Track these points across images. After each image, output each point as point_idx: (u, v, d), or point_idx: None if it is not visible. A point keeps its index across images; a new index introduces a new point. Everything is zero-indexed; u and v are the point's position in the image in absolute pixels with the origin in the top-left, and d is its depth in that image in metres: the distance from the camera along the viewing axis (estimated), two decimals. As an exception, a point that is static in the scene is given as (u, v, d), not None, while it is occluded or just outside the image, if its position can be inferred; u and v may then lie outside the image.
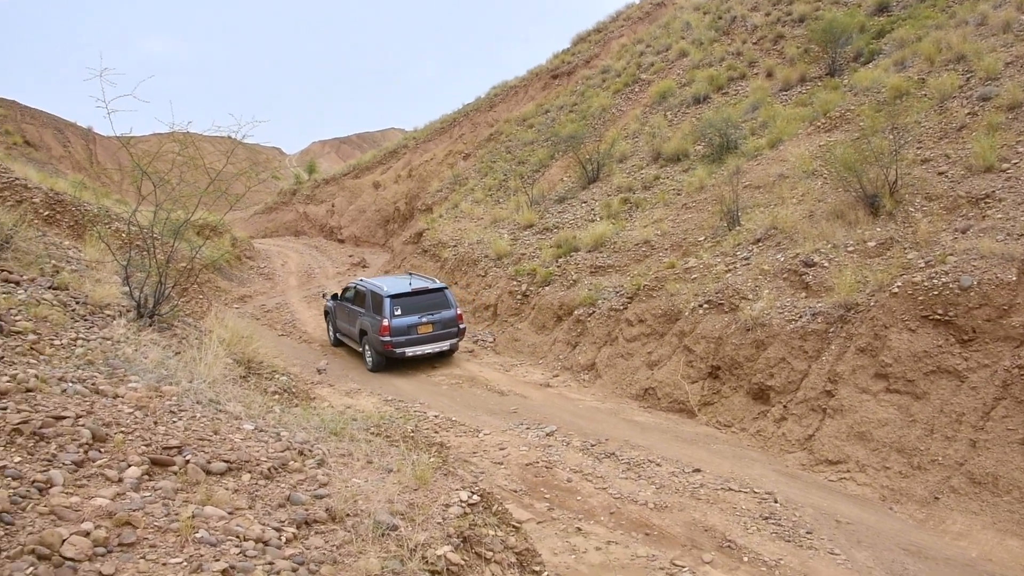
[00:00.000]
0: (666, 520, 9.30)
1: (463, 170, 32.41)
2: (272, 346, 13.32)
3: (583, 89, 31.89)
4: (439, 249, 23.63)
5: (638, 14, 37.31)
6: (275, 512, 4.64)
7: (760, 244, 14.65)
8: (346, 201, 41.19)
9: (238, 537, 4.13)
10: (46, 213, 16.28)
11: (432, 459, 6.10)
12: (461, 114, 40.76)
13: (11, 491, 3.88)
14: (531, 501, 9.91)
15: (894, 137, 13.86)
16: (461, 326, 17.04)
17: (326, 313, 19.79)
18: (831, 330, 11.73)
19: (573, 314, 16.85)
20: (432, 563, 4.54)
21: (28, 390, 5.02)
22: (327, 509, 4.76)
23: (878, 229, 13.13)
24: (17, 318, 6.61)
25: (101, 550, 3.69)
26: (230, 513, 4.41)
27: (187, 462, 4.79)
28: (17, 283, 7.71)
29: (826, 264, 12.86)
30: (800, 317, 12.19)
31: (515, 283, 19.22)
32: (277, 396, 8.44)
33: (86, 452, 4.51)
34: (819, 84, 21.07)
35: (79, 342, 6.81)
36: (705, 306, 13.75)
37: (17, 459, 4.22)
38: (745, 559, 8.41)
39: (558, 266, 18.66)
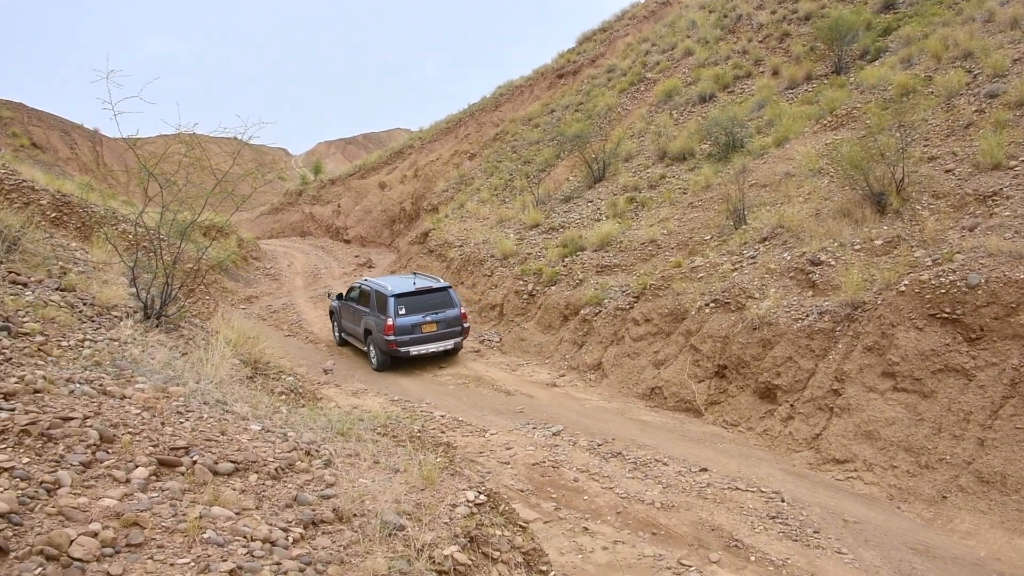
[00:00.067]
0: (673, 519, 9.28)
1: (469, 170, 32.42)
2: (278, 346, 13.36)
3: (589, 88, 31.88)
4: (445, 249, 23.65)
5: (643, 13, 37.28)
6: (282, 512, 4.64)
7: (766, 243, 14.62)
8: (352, 201, 41.24)
9: (245, 537, 4.14)
10: (53, 215, 16.33)
11: (439, 459, 6.10)
12: (467, 114, 40.79)
13: (19, 492, 3.90)
14: (538, 501, 9.90)
15: (901, 135, 13.81)
16: (465, 325, 17.10)
17: (331, 313, 19.87)
18: (838, 329, 11.69)
19: (579, 313, 16.84)
20: (439, 563, 4.54)
21: (36, 391, 5.04)
22: (334, 509, 4.76)
23: (885, 227, 13.09)
24: (25, 319, 6.63)
25: (109, 551, 3.70)
26: (237, 513, 4.42)
27: (194, 463, 4.80)
28: (25, 285, 7.74)
29: (833, 263, 12.83)
30: (807, 316, 12.16)
31: (521, 283, 19.21)
32: (284, 396, 8.46)
33: (94, 453, 4.53)
34: (825, 82, 21.02)
35: (86, 343, 6.83)
36: (711, 305, 13.72)
37: (25, 460, 4.23)
38: (752, 558, 8.39)
39: (564, 266, 18.65)
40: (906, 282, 11.09)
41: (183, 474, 4.68)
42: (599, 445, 11.69)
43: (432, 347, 16.66)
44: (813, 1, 25.79)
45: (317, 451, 5.77)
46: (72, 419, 4.75)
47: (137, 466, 4.55)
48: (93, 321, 7.69)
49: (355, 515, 4.79)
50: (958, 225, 12.12)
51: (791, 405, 11.71)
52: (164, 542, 3.91)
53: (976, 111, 14.43)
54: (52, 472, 4.19)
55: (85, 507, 3.98)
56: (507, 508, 6.00)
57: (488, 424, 12.86)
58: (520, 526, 5.97)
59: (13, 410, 4.64)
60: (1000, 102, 14.12)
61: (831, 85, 20.34)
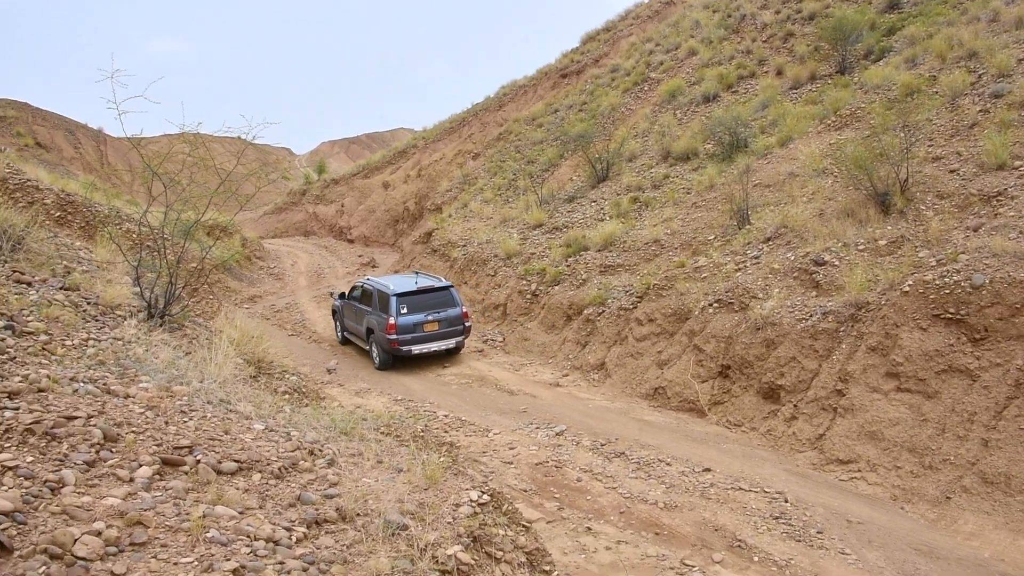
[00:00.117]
0: (676, 520, 9.28)
1: (472, 170, 32.43)
2: (282, 346, 13.35)
3: (592, 88, 31.86)
4: (449, 249, 23.66)
5: (647, 13, 37.26)
6: (286, 512, 4.65)
7: (770, 243, 14.61)
8: (356, 201, 41.27)
9: (249, 537, 4.14)
10: (57, 214, 16.36)
11: (442, 459, 6.10)
12: (470, 114, 40.78)
13: (24, 491, 3.91)
14: (541, 501, 9.90)
15: (905, 135, 13.79)
16: (467, 324, 17.15)
17: (334, 312, 19.94)
18: (842, 329, 11.68)
19: (583, 313, 16.83)
20: (442, 563, 4.55)
21: (40, 390, 5.05)
22: (337, 509, 4.77)
23: (889, 227, 13.07)
24: (29, 319, 6.65)
25: (113, 549, 3.71)
26: (241, 513, 4.42)
27: (198, 462, 4.80)
28: (29, 284, 7.75)
29: (837, 263, 12.81)
30: (811, 316, 12.14)
31: (524, 282, 19.21)
32: (287, 396, 8.46)
33: (98, 452, 4.54)
34: (829, 82, 20.98)
35: (90, 342, 6.84)
36: (715, 305, 13.71)
37: (29, 459, 4.24)
38: (755, 559, 8.38)
39: (567, 265, 18.64)
40: (910, 282, 11.07)
41: (187, 473, 4.69)
42: (602, 445, 11.68)
43: (434, 346, 16.73)
44: (817, 1, 25.75)
45: (320, 450, 5.77)
46: (76, 418, 4.76)
47: (141, 465, 4.56)
48: (97, 320, 7.70)
49: (358, 514, 4.80)
50: (962, 225, 12.09)
51: (795, 405, 11.69)
52: (168, 541, 3.92)
53: (981, 111, 14.39)
54: (56, 471, 4.20)
55: (89, 506, 3.99)
56: (510, 508, 6.00)
57: (491, 424, 12.86)
58: (523, 526, 5.97)
59: (17, 409, 4.65)
60: (1005, 102, 14.09)
61: (835, 85, 20.31)
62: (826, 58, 22.34)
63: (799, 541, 8.73)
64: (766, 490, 9.96)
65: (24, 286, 7.63)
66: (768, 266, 13.74)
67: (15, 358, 5.64)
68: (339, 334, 19.60)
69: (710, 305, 13.80)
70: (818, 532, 8.89)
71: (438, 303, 16.83)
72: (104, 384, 5.68)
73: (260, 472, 5.05)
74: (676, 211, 18.58)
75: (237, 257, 27.19)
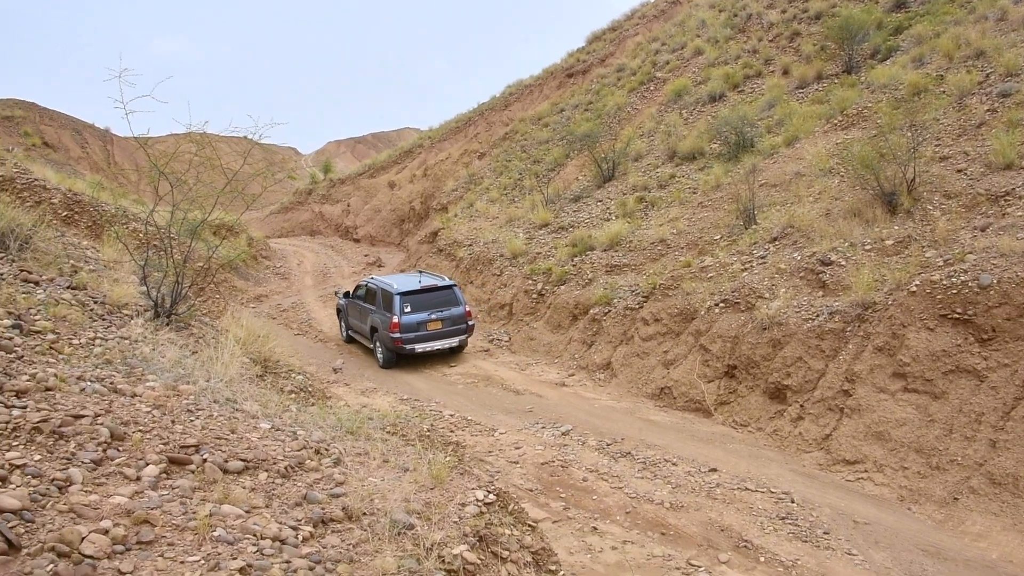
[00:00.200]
0: (682, 520, 9.26)
1: (478, 169, 32.43)
2: (288, 345, 13.39)
3: (598, 88, 31.83)
4: (454, 248, 23.67)
5: (653, 12, 37.20)
6: (292, 511, 4.65)
7: (777, 243, 14.57)
8: (361, 201, 41.31)
9: (255, 535, 4.15)
10: (65, 214, 16.41)
11: (448, 458, 6.10)
12: (476, 113, 40.78)
13: (31, 489, 3.92)
14: (547, 500, 9.90)
15: (912, 134, 13.74)
16: (470, 323, 17.23)
17: (338, 311, 20.03)
18: (848, 329, 11.64)
19: (589, 313, 16.82)
20: (448, 562, 4.54)
21: (48, 389, 5.07)
22: (344, 508, 4.77)
23: (896, 227, 13.03)
24: (37, 318, 6.67)
25: (120, 548, 3.72)
26: (247, 512, 4.43)
27: (204, 461, 4.81)
28: (36, 283, 7.78)
29: (843, 263, 12.78)
30: (817, 316, 12.11)
31: (530, 282, 19.21)
32: (293, 395, 8.48)
33: (105, 451, 4.55)
34: (836, 81, 20.92)
35: (97, 341, 6.87)
36: (721, 305, 13.69)
37: (37, 457, 4.26)
38: (762, 559, 8.36)
39: (573, 265, 18.63)
40: (917, 282, 11.04)
41: (193, 472, 4.70)
42: (608, 445, 11.67)
43: (437, 344, 16.83)
44: (823, 0, 25.69)
45: (327, 450, 5.78)
46: (83, 417, 4.78)
47: (148, 464, 4.57)
48: (104, 319, 7.73)
49: (364, 514, 4.80)
50: (970, 225, 12.05)
51: (801, 405, 11.67)
52: (174, 540, 3.92)
53: (988, 110, 14.34)
54: (63, 469, 4.21)
55: (96, 504, 4.00)
56: (516, 507, 6.00)
57: (497, 423, 12.86)
58: (529, 525, 5.97)
59: (25, 408, 4.66)
60: (1013, 101, 14.03)
61: (842, 84, 20.25)
62: (832, 57, 22.28)
63: (805, 541, 8.71)
64: (772, 490, 9.94)
65: (31, 285, 7.66)
66: (774, 266, 13.71)
67: (23, 357, 5.66)
68: (343, 332, 19.72)
69: (716, 305, 13.77)
70: (824, 532, 8.86)
71: (441, 302, 16.93)
72: (111, 383, 5.69)
73: (266, 471, 5.06)
74: (682, 211, 18.56)
75: (243, 256, 27.25)
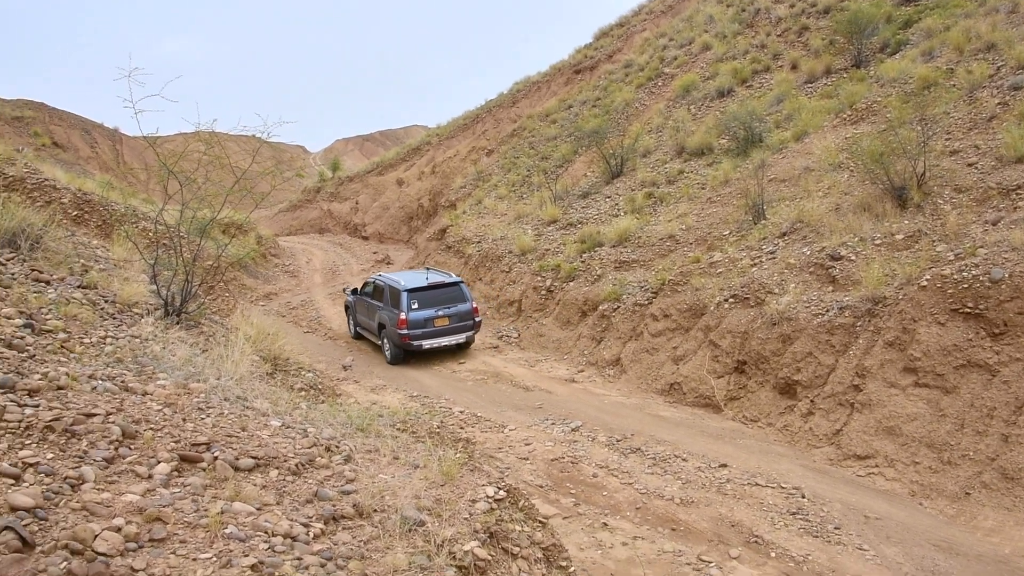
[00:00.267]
0: (693, 515, 9.25)
1: (486, 166, 32.42)
2: (298, 343, 13.42)
3: (606, 84, 31.78)
4: (463, 245, 23.68)
5: (661, 8, 37.11)
6: (303, 508, 4.67)
7: (786, 238, 14.53)
8: (370, 198, 41.37)
9: (266, 533, 4.16)
10: (74, 213, 16.48)
11: (458, 455, 6.11)
12: (484, 110, 40.75)
13: (44, 487, 3.94)
14: (557, 496, 9.90)
15: (922, 128, 13.67)
16: (477, 319, 17.30)
17: (347, 308, 20.14)
18: (858, 324, 11.60)
19: (598, 309, 16.80)
20: (459, 558, 4.55)
21: (59, 388, 5.09)
22: (354, 505, 4.78)
23: (906, 222, 12.97)
24: (48, 317, 6.70)
25: (132, 545, 3.74)
26: (258, 509, 4.45)
27: (215, 458, 4.83)
28: (47, 282, 7.82)
29: (853, 257, 12.73)
30: (827, 311, 12.07)
31: (539, 279, 19.20)
32: (303, 393, 8.50)
33: (116, 449, 4.57)
34: (845, 76, 20.83)
35: (108, 340, 6.89)
36: (730, 300, 13.65)
37: (49, 456, 4.28)
38: (772, 554, 8.35)
39: (582, 261, 18.61)
40: (928, 277, 10.99)
41: (204, 470, 4.72)
42: (618, 441, 11.67)
43: (444, 341, 16.91)
44: (832, -6, 25.59)
45: (337, 447, 5.79)
46: (95, 415, 4.80)
47: (159, 462, 4.59)
48: (114, 318, 7.76)
49: (375, 511, 4.81)
50: (981, 219, 11.98)
51: (811, 401, 11.63)
52: (186, 537, 3.94)
53: (999, 104, 14.25)
54: (76, 468, 4.24)
55: (108, 502, 4.02)
56: (527, 504, 6.00)
57: (507, 420, 12.87)
58: (540, 522, 5.97)
59: (37, 407, 4.69)
60: (1024, 94, 13.95)
61: (851, 79, 20.16)
62: (841, 52, 22.19)
63: (816, 537, 8.68)
64: (783, 486, 9.91)
65: (43, 284, 7.69)
66: (784, 261, 13.67)
67: (34, 356, 5.69)
68: (351, 329, 19.84)
69: (725, 300, 13.74)
70: (835, 528, 8.84)
71: (448, 299, 17.01)
72: (122, 381, 5.72)
73: (277, 468, 5.08)
74: (691, 206, 18.52)
75: (253, 255, 27.34)
